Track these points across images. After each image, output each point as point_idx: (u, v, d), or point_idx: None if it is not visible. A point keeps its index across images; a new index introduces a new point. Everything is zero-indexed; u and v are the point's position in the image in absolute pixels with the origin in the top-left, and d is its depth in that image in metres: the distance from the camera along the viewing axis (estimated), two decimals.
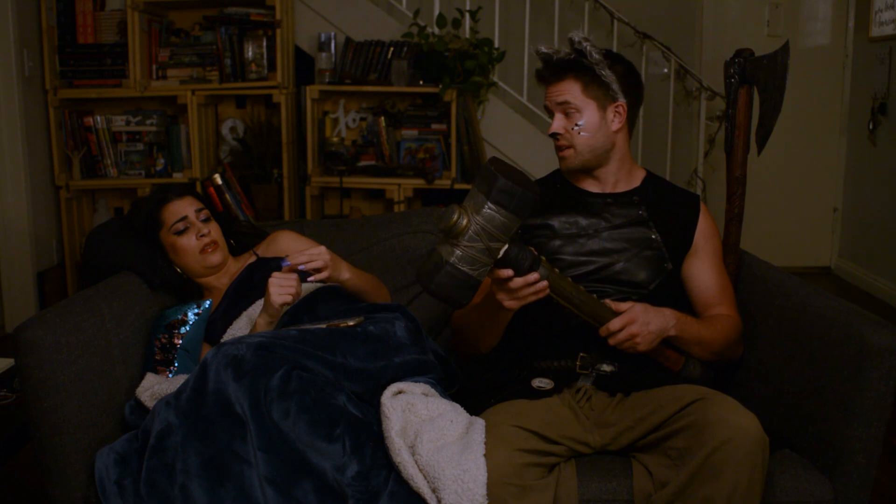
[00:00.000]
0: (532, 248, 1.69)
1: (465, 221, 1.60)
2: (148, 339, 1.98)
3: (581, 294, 1.72)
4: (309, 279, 1.95)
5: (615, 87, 1.86)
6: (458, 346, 2.03)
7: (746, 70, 2.06)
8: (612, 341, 1.74)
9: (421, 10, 4.19)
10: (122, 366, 1.85)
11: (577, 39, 1.84)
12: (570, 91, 1.87)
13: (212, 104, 4.22)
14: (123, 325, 1.88)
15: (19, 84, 3.82)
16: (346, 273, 2.04)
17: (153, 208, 2.10)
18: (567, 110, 1.88)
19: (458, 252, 1.61)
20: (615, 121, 1.90)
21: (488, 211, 1.60)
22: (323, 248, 1.96)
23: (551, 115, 1.93)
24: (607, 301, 1.76)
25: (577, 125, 1.88)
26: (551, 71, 1.90)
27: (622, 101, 1.89)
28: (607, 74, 1.85)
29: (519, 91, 4.37)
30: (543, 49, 1.90)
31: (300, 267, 1.92)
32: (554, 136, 1.92)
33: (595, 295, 1.78)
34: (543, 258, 1.69)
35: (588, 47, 1.83)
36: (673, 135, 4.72)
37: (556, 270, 1.70)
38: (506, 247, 1.63)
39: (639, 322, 1.72)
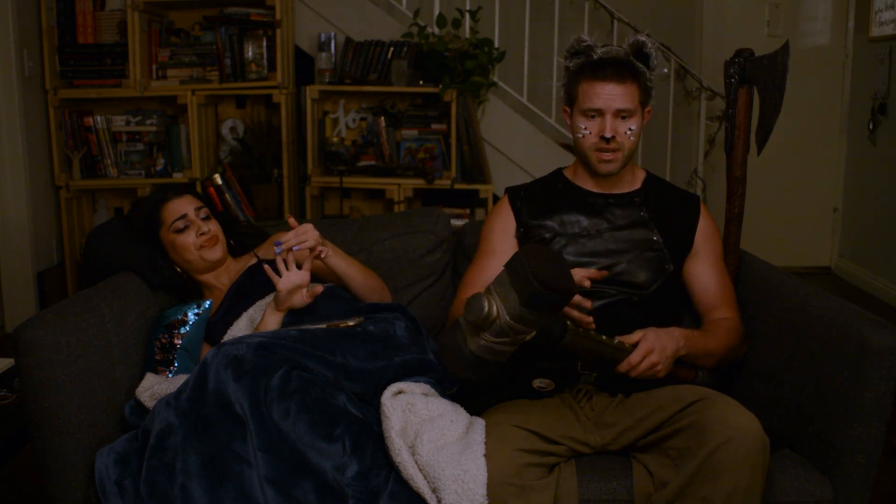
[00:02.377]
0: (560, 318, 1.59)
1: (494, 313, 1.51)
2: (148, 339, 1.98)
3: (601, 344, 1.65)
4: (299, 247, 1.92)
5: (652, 91, 1.90)
6: None
7: (746, 70, 2.06)
8: (633, 374, 1.68)
9: (421, 10, 4.19)
10: (122, 366, 1.85)
11: (649, 44, 1.82)
12: (632, 95, 1.85)
13: (212, 104, 4.22)
14: (123, 325, 1.88)
15: (19, 84, 3.82)
16: (335, 257, 2.03)
17: (153, 207, 2.10)
18: (623, 114, 1.85)
19: (482, 343, 1.55)
20: (643, 124, 1.92)
21: (519, 311, 1.50)
22: (309, 226, 1.91)
23: (592, 114, 1.86)
24: (618, 338, 1.70)
25: (630, 129, 1.86)
26: (614, 70, 1.84)
27: (650, 104, 1.93)
28: (653, 79, 1.87)
29: (519, 91, 4.37)
30: (588, 40, 1.86)
31: (295, 248, 1.88)
32: (608, 139, 1.86)
33: (602, 301, 1.78)
34: (570, 324, 1.60)
35: (654, 53, 1.83)
36: (673, 135, 4.72)
37: (581, 330, 1.62)
38: (532, 334, 1.56)
39: (656, 350, 1.68)
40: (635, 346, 1.69)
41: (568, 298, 1.53)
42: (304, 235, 1.89)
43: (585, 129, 1.88)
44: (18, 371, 1.65)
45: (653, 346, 1.67)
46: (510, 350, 1.57)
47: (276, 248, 1.91)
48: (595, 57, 1.85)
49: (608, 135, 1.85)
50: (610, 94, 1.84)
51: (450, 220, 2.44)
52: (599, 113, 1.85)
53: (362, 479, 1.56)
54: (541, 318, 1.53)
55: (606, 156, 1.88)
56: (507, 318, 1.51)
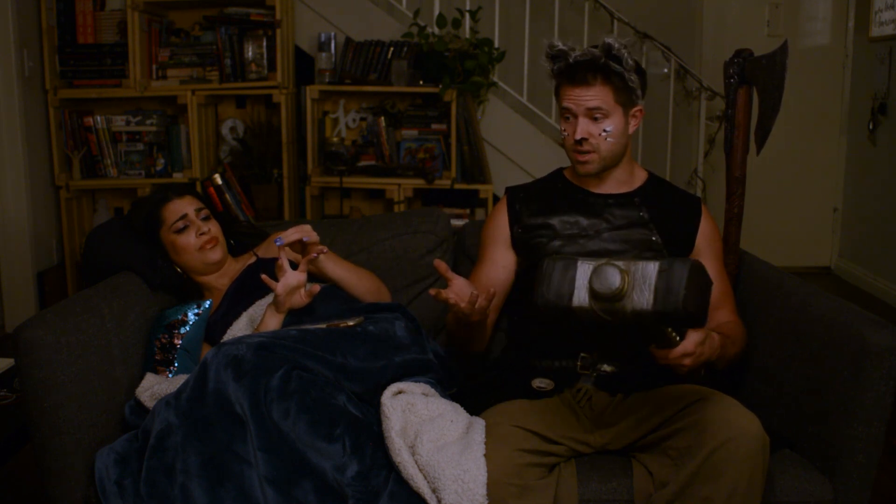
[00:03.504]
0: None
1: (620, 295, 1.46)
2: (148, 339, 1.98)
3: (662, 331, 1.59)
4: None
5: (638, 91, 1.86)
6: (453, 347, 2.03)
7: (746, 70, 2.06)
8: (660, 362, 1.61)
9: (421, 10, 4.19)
10: (122, 366, 1.85)
11: (616, 46, 1.80)
12: (603, 96, 1.84)
13: (212, 104, 4.22)
14: (123, 325, 1.88)
15: (19, 84, 3.82)
16: (328, 262, 2.07)
17: (153, 207, 2.10)
18: (595, 115, 1.85)
19: (585, 305, 1.49)
20: (632, 124, 1.90)
21: (645, 314, 1.45)
22: (307, 226, 1.98)
23: (567, 115, 1.88)
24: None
25: (605, 131, 1.86)
26: (583, 73, 1.84)
27: (641, 104, 1.89)
28: (634, 80, 1.84)
29: (519, 91, 4.37)
30: (560, 45, 1.85)
31: (304, 239, 1.94)
32: (579, 140, 1.87)
33: None
34: None
35: (626, 54, 1.80)
36: (673, 135, 4.71)
37: None
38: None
39: (695, 355, 1.59)
40: (680, 338, 1.59)
41: (693, 326, 1.51)
42: (303, 232, 1.95)
43: (564, 130, 1.91)
44: (18, 371, 1.65)
45: (693, 352, 1.59)
46: (604, 322, 1.51)
47: (276, 243, 1.94)
48: (570, 60, 1.85)
49: (577, 136, 1.86)
50: (579, 96, 1.85)
51: (450, 220, 2.45)
52: (573, 114, 1.87)
53: (362, 479, 1.56)
54: (662, 326, 1.49)
55: (581, 157, 1.89)
56: (629, 309, 1.46)
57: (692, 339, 1.56)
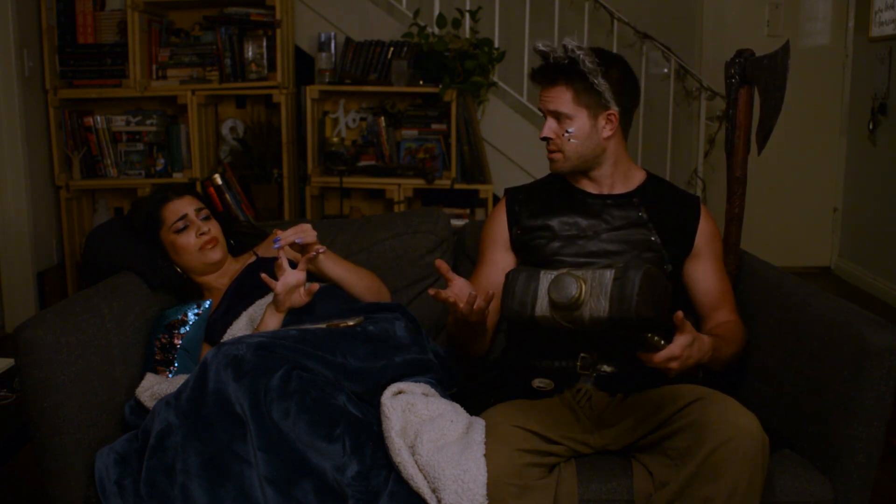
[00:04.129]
0: None
1: (578, 304, 1.50)
2: (148, 339, 1.98)
3: (642, 337, 1.61)
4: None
5: (608, 95, 1.84)
6: (453, 348, 2.03)
7: (747, 70, 2.06)
8: (647, 364, 1.62)
9: (421, 10, 4.19)
10: (122, 366, 1.85)
11: (570, 47, 1.81)
12: (562, 98, 1.86)
13: (212, 104, 4.22)
14: (123, 325, 1.88)
15: (19, 84, 3.82)
16: (328, 261, 2.07)
17: (154, 207, 2.10)
18: (558, 116, 1.88)
19: (547, 315, 1.54)
20: (606, 128, 1.88)
21: (602, 321, 1.49)
22: (307, 225, 1.97)
23: (545, 116, 1.92)
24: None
25: (567, 132, 1.87)
26: (543, 75, 1.89)
27: (614, 109, 1.87)
28: (600, 83, 1.82)
29: (519, 91, 4.37)
30: (541, 46, 1.87)
31: (298, 240, 1.94)
32: (545, 139, 1.91)
33: None
34: None
35: (581, 56, 1.80)
36: (673, 135, 4.71)
37: None
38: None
39: (682, 358, 1.60)
40: (667, 342, 1.61)
41: (653, 331, 1.53)
42: (301, 232, 1.94)
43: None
44: (18, 371, 1.65)
45: (679, 355, 1.60)
46: (568, 329, 1.56)
47: (274, 244, 1.94)
48: (550, 60, 1.87)
49: (541, 135, 1.91)
50: (544, 97, 1.89)
51: (450, 220, 2.45)
52: (544, 115, 1.92)
53: (362, 479, 1.56)
54: (620, 333, 1.52)
55: (549, 155, 1.94)
56: (587, 317, 1.50)
57: (678, 342, 1.58)
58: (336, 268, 2.08)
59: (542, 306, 1.55)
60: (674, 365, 1.59)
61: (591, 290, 1.50)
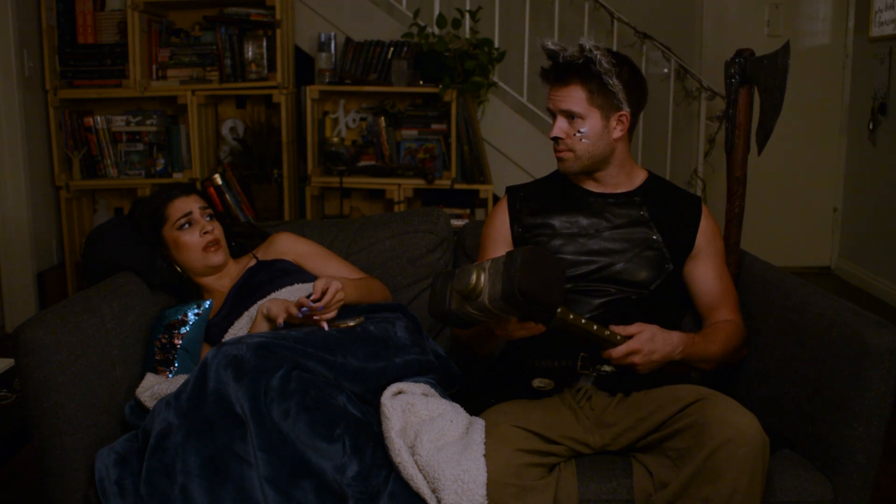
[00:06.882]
0: (547, 306, 1.60)
1: (478, 290, 1.57)
2: (148, 339, 1.98)
3: (589, 333, 1.66)
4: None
5: (621, 96, 1.84)
6: (459, 349, 2.03)
7: (747, 70, 2.06)
8: (613, 361, 1.72)
9: (421, 10, 4.19)
10: (122, 366, 1.85)
11: (588, 46, 1.80)
12: (575, 98, 1.85)
13: (212, 104, 4.22)
14: (123, 325, 1.88)
15: (19, 84, 3.82)
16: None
17: (160, 204, 2.10)
18: (570, 116, 1.86)
19: (461, 307, 1.61)
20: (617, 129, 1.88)
21: (499, 302, 1.54)
22: (337, 285, 1.86)
23: (552, 115, 1.91)
24: (613, 327, 1.70)
25: (579, 132, 1.86)
26: (556, 74, 1.87)
27: (626, 110, 1.87)
28: (614, 83, 1.82)
29: (519, 91, 4.37)
30: (550, 45, 1.86)
31: (319, 307, 1.83)
32: (555, 139, 1.90)
33: (602, 299, 1.80)
34: (561, 310, 1.59)
35: (599, 56, 1.79)
36: (673, 135, 4.71)
37: (572, 316, 1.62)
38: (512, 319, 1.62)
39: (643, 352, 1.69)
40: (627, 338, 1.70)
41: (550, 310, 1.57)
42: (331, 299, 1.84)
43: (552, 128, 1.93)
44: (18, 371, 1.65)
45: (639, 349, 1.69)
46: (485, 321, 1.64)
47: (300, 312, 1.84)
48: (560, 60, 1.86)
49: (552, 135, 1.90)
50: (555, 96, 1.88)
51: (450, 220, 2.45)
52: (553, 114, 1.90)
53: (362, 480, 1.56)
54: (519, 312, 1.58)
55: (558, 154, 1.92)
56: (487, 300, 1.56)
57: (637, 336, 1.67)
58: (352, 294, 2.02)
59: (454, 300, 1.62)
60: (636, 360, 1.68)
61: (490, 276, 1.57)
